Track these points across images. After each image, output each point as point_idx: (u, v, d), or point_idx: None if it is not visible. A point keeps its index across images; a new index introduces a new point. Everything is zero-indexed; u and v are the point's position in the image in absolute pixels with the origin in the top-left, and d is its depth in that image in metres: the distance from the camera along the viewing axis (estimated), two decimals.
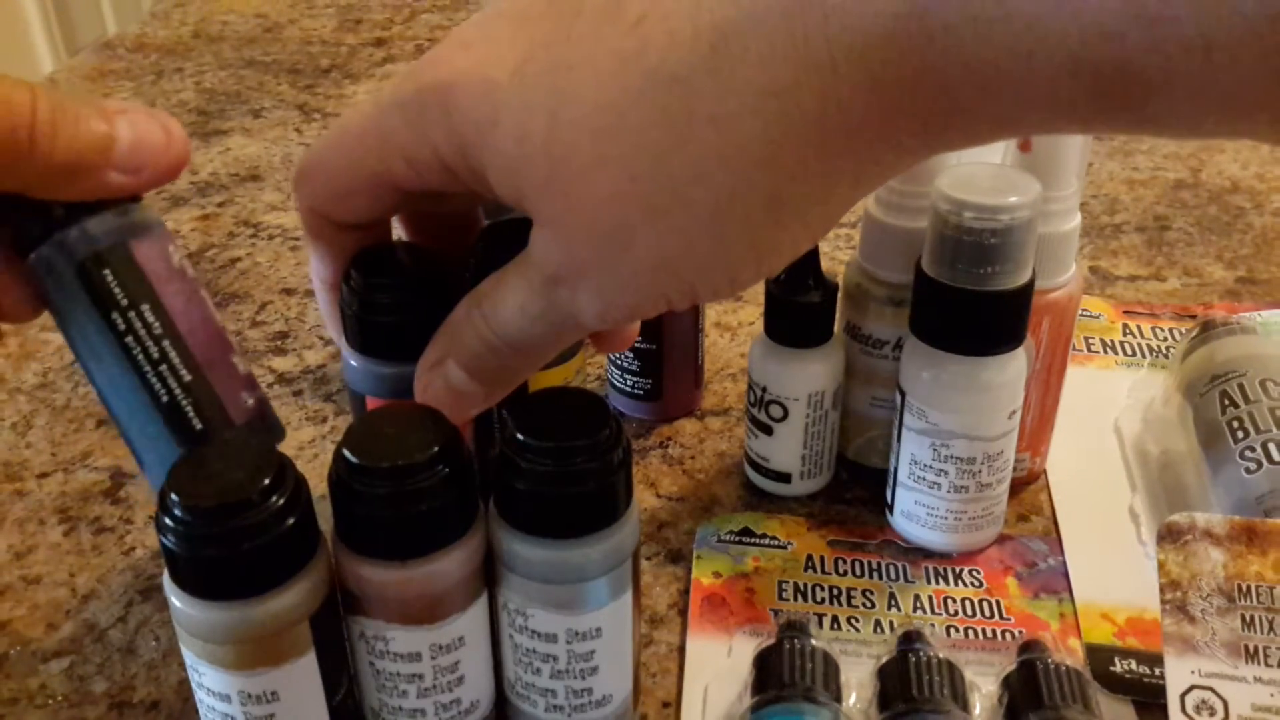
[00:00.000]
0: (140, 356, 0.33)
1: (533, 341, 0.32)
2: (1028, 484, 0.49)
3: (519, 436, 0.33)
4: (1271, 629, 0.37)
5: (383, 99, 0.32)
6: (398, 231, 0.38)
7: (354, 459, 0.32)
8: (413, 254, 0.37)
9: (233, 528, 0.30)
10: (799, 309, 0.45)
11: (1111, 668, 0.40)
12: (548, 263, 0.30)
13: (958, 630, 0.42)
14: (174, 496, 0.30)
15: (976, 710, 0.37)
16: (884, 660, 0.38)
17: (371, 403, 0.37)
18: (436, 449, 0.32)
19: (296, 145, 0.80)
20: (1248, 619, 0.37)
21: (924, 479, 0.44)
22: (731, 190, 0.27)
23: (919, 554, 0.45)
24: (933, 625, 0.42)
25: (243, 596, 0.31)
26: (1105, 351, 0.57)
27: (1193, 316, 0.60)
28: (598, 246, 0.29)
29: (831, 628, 0.42)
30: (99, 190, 0.32)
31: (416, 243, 0.38)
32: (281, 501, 0.31)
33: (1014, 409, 0.42)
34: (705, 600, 0.43)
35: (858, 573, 0.45)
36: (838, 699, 0.37)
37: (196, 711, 0.34)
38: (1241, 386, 0.46)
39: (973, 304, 0.40)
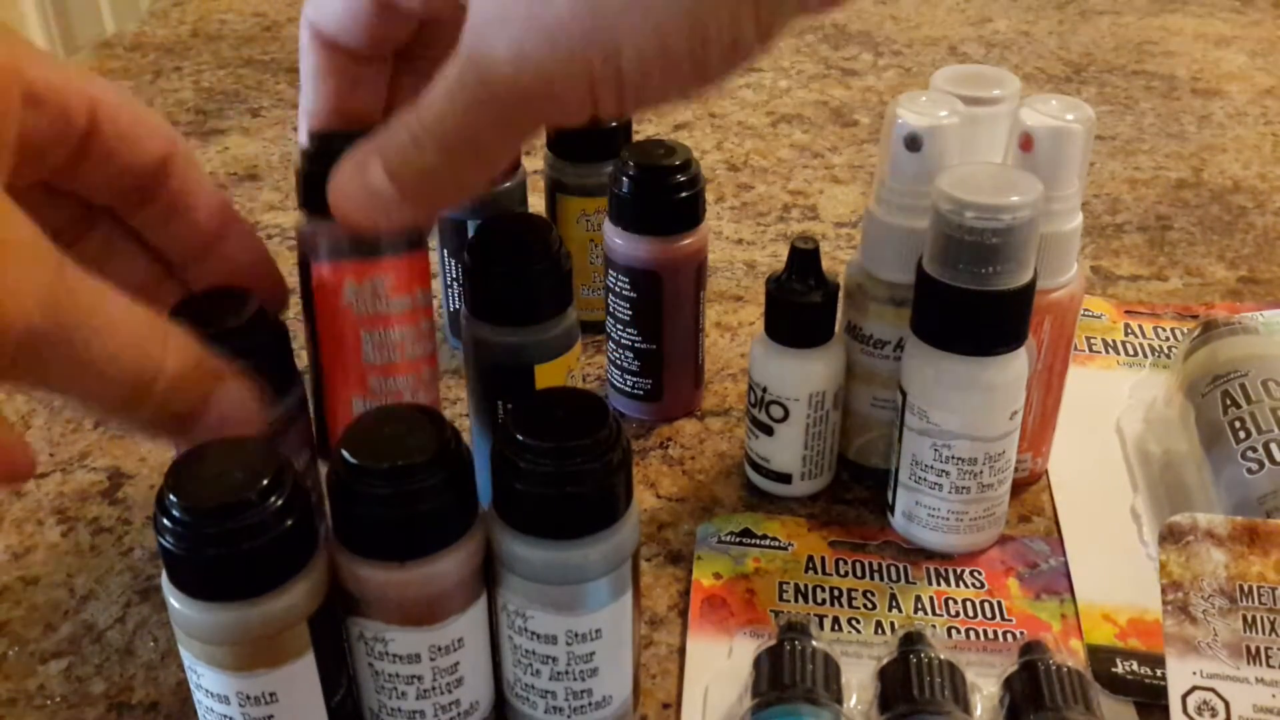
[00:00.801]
0: None
1: (456, 126, 0.30)
2: (1029, 484, 0.49)
3: (519, 436, 0.32)
4: (1273, 630, 0.37)
5: None
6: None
7: (353, 460, 0.32)
8: None
9: (231, 528, 0.30)
10: (799, 309, 0.45)
11: (1113, 669, 0.40)
12: (476, 15, 0.29)
13: (959, 631, 0.42)
14: (172, 497, 0.30)
15: (978, 712, 0.37)
16: (885, 661, 0.38)
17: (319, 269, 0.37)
18: (436, 450, 0.32)
19: (295, 144, 0.80)
20: (1249, 620, 0.37)
21: (925, 480, 0.43)
22: None
23: (920, 555, 0.45)
24: (934, 626, 0.42)
25: (241, 597, 0.31)
26: (1107, 351, 0.57)
27: (1194, 316, 0.59)
28: None
29: (832, 629, 0.42)
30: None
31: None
32: (280, 502, 0.31)
33: (1015, 409, 0.42)
34: (705, 601, 0.43)
35: (859, 574, 0.44)
36: (838, 700, 0.37)
37: (195, 712, 0.34)
38: (1243, 386, 0.46)
39: (974, 304, 0.40)
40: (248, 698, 0.32)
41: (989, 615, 0.43)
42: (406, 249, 0.36)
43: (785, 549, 0.45)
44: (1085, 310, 0.59)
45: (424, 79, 0.31)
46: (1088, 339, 0.58)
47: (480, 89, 0.29)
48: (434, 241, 0.64)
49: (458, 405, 0.54)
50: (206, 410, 0.33)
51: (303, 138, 0.38)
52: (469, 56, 0.29)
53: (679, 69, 0.28)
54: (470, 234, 0.53)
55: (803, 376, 0.45)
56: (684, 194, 0.48)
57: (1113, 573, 0.44)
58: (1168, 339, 0.58)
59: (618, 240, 0.49)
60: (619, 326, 0.51)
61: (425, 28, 0.36)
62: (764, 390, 0.46)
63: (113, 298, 0.31)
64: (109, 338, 0.30)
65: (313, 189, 0.34)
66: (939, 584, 0.44)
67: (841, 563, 0.45)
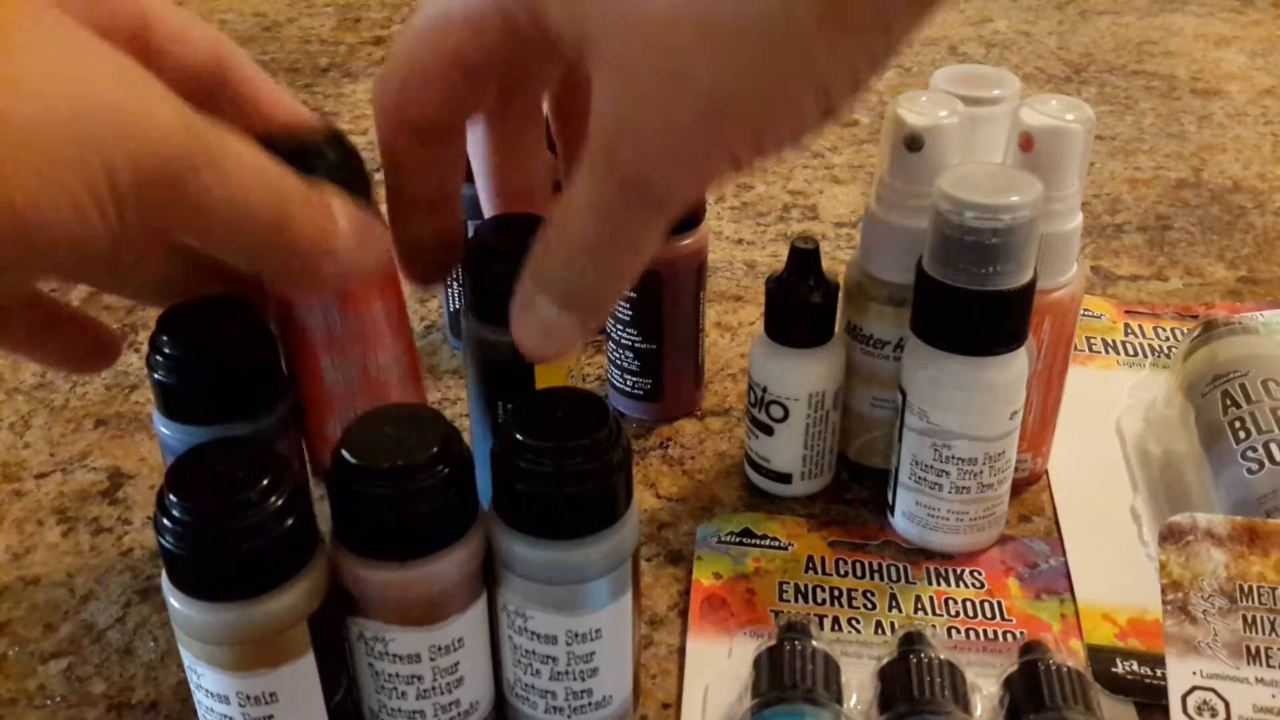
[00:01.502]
0: None
1: (611, 242, 0.30)
2: (1029, 484, 0.49)
3: (519, 437, 0.32)
4: (1273, 630, 0.37)
5: None
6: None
7: (353, 459, 0.32)
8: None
9: (231, 528, 0.30)
10: (799, 309, 0.45)
11: (1113, 669, 0.40)
12: (606, 119, 0.28)
13: (959, 631, 0.42)
14: (172, 497, 0.30)
15: (978, 711, 0.37)
16: (885, 661, 0.38)
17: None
18: (436, 449, 0.32)
19: None
20: (1249, 620, 0.37)
21: (925, 479, 0.43)
22: (784, 6, 0.26)
23: (920, 555, 0.45)
24: (934, 626, 0.42)
25: (241, 597, 0.31)
26: (1107, 351, 0.57)
27: (1194, 316, 0.59)
28: (655, 88, 0.27)
29: (832, 629, 0.42)
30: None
31: None
32: (280, 502, 0.31)
33: (1015, 409, 0.42)
34: (705, 601, 0.43)
35: (859, 574, 0.44)
36: (839, 700, 0.37)
37: (195, 712, 0.34)
38: (1243, 386, 0.46)
39: (974, 304, 0.40)
40: (248, 698, 0.32)
41: (989, 615, 0.43)
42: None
43: (785, 549, 0.45)
44: (1085, 310, 0.59)
45: (525, 135, 0.32)
46: (1088, 339, 0.58)
47: (636, 211, 0.29)
48: None
49: (458, 405, 0.54)
50: (337, 236, 0.33)
51: (400, 262, 0.38)
52: (618, 179, 0.29)
53: (810, 124, 0.29)
54: (470, 234, 0.54)
55: (803, 376, 0.45)
56: None
57: (1113, 573, 0.44)
58: (1168, 339, 0.58)
59: None
60: (619, 326, 0.51)
61: (564, 78, 0.36)
62: (764, 390, 0.46)
63: (239, 136, 0.30)
64: (246, 171, 0.30)
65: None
66: (939, 584, 0.44)
67: (841, 563, 0.45)
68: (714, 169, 0.29)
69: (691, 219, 0.49)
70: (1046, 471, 0.49)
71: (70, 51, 0.27)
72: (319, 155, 0.34)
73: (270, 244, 0.31)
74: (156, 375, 0.37)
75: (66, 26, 0.28)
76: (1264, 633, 0.37)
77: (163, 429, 0.38)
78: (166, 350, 0.36)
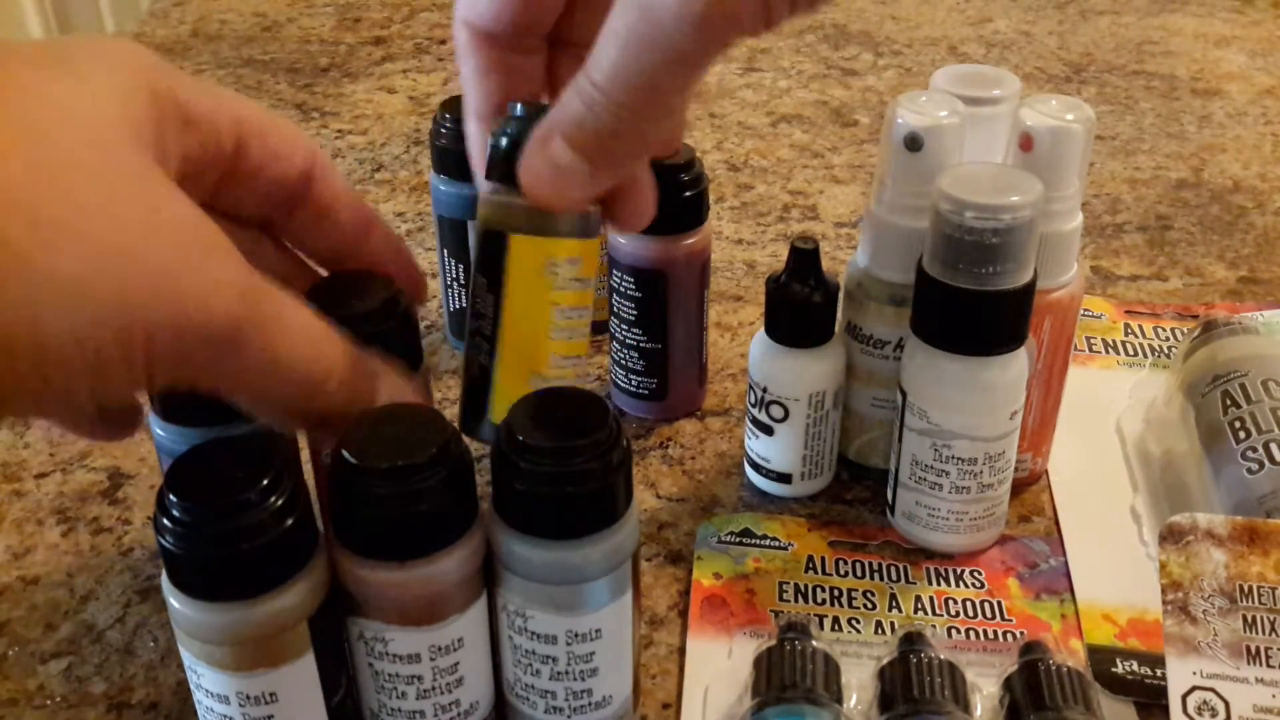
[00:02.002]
0: None
1: (630, 78, 0.30)
2: (1029, 485, 0.49)
3: (519, 436, 0.32)
4: (1273, 630, 0.37)
5: None
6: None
7: (353, 459, 0.32)
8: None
9: (231, 528, 0.30)
10: (799, 309, 0.45)
11: (1113, 669, 0.40)
12: None
13: (959, 631, 0.42)
14: (172, 497, 0.30)
15: (978, 712, 0.37)
16: (885, 661, 0.38)
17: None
18: (436, 449, 0.32)
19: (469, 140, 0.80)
20: (1249, 620, 0.37)
21: (925, 479, 0.43)
22: None
23: (920, 555, 0.45)
24: (934, 626, 0.42)
25: (241, 597, 0.31)
26: (1107, 351, 0.57)
27: (1194, 316, 0.59)
28: None
29: (832, 629, 0.42)
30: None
31: None
32: (280, 502, 0.31)
33: (1015, 409, 0.42)
34: (705, 601, 0.43)
35: (859, 574, 0.44)
36: (839, 700, 0.37)
37: (195, 712, 0.34)
38: (1243, 386, 0.46)
39: (974, 304, 0.40)
40: (248, 698, 0.32)
41: (989, 615, 0.43)
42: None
43: (785, 549, 0.45)
44: (1085, 310, 0.59)
45: (579, 60, 0.31)
46: (1088, 339, 0.58)
47: (650, 30, 0.29)
48: (434, 241, 0.64)
49: (457, 405, 0.54)
50: (373, 403, 0.34)
51: (471, 143, 0.38)
52: (640, 12, 0.29)
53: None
54: (470, 234, 0.54)
55: (803, 376, 0.45)
56: (689, 193, 0.48)
57: (1113, 573, 0.44)
58: (1168, 339, 0.58)
59: (622, 240, 0.49)
60: (624, 326, 0.51)
61: (573, 4, 0.36)
62: (764, 390, 0.46)
63: (293, 299, 0.31)
64: (293, 336, 0.31)
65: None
66: (939, 584, 0.44)
67: (841, 563, 0.45)
68: (744, 8, 0.28)
69: (695, 218, 0.49)
70: (1046, 471, 0.49)
71: (136, 206, 0.28)
72: (374, 319, 0.36)
73: (302, 409, 0.32)
74: None
75: (141, 177, 0.28)
76: (1264, 633, 0.37)
77: (158, 430, 0.38)
78: None
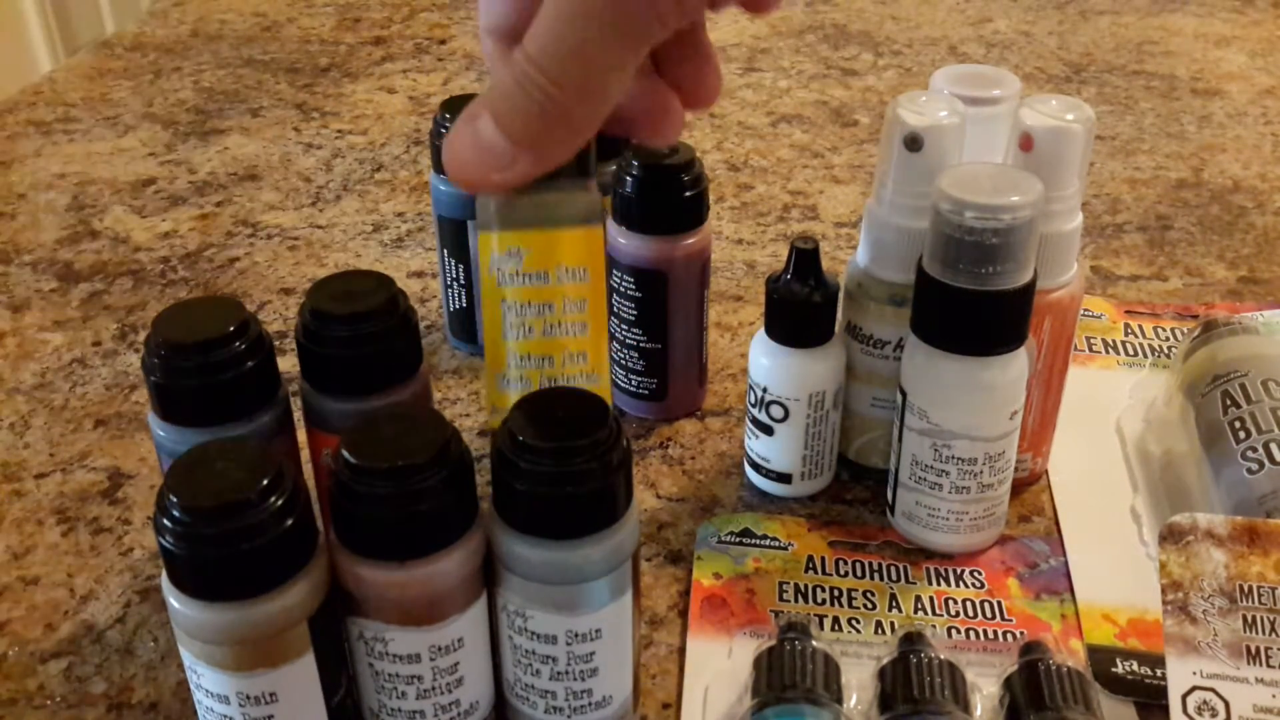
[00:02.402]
0: None
1: (565, 51, 0.28)
2: (1029, 484, 0.49)
3: (519, 437, 0.32)
4: (1273, 630, 0.37)
5: None
6: None
7: (353, 460, 0.32)
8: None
9: (231, 529, 0.30)
10: (799, 309, 0.45)
11: (1113, 669, 0.40)
12: None
13: (959, 631, 0.42)
14: (172, 497, 0.30)
15: (978, 711, 0.37)
16: (885, 661, 0.38)
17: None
18: (436, 449, 0.32)
19: (295, 144, 0.80)
20: (1249, 620, 0.37)
21: (925, 479, 0.43)
22: None
23: (920, 555, 0.45)
24: (934, 626, 0.42)
25: (241, 597, 0.31)
26: (1107, 351, 0.57)
27: (1194, 316, 0.59)
28: None
29: (832, 629, 0.42)
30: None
31: None
32: (280, 502, 0.31)
33: (1015, 409, 0.42)
34: (705, 601, 0.43)
35: (859, 574, 0.44)
36: (839, 700, 0.37)
37: (195, 712, 0.34)
38: (1243, 386, 0.46)
39: (974, 304, 0.40)
40: (248, 698, 0.32)
41: (989, 615, 0.43)
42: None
43: (785, 549, 0.45)
44: (1085, 310, 0.59)
45: None
46: (1088, 339, 0.58)
47: (596, 19, 0.28)
48: (434, 242, 0.64)
49: (457, 405, 0.54)
50: None
51: (486, 53, 0.35)
52: None
53: None
54: (471, 234, 0.54)
55: (803, 376, 0.45)
56: (689, 193, 0.48)
57: (1113, 573, 0.44)
58: (1168, 339, 0.58)
59: (622, 240, 0.49)
60: (624, 326, 0.51)
61: None
62: (764, 390, 0.46)
63: None
64: None
65: None
66: (939, 584, 0.44)
67: (841, 563, 0.45)
68: None
69: (695, 218, 0.49)
70: (1046, 471, 0.49)
71: None
72: (374, 319, 0.38)
73: None
74: (152, 377, 0.37)
75: None
76: (1264, 633, 0.37)
77: (158, 430, 0.38)
78: (161, 352, 0.36)
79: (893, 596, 0.43)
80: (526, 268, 0.34)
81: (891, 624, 0.42)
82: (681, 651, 0.41)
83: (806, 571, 0.44)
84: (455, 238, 0.54)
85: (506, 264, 0.34)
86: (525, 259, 0.34)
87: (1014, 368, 0.41)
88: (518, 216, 0.34)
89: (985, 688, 0.38)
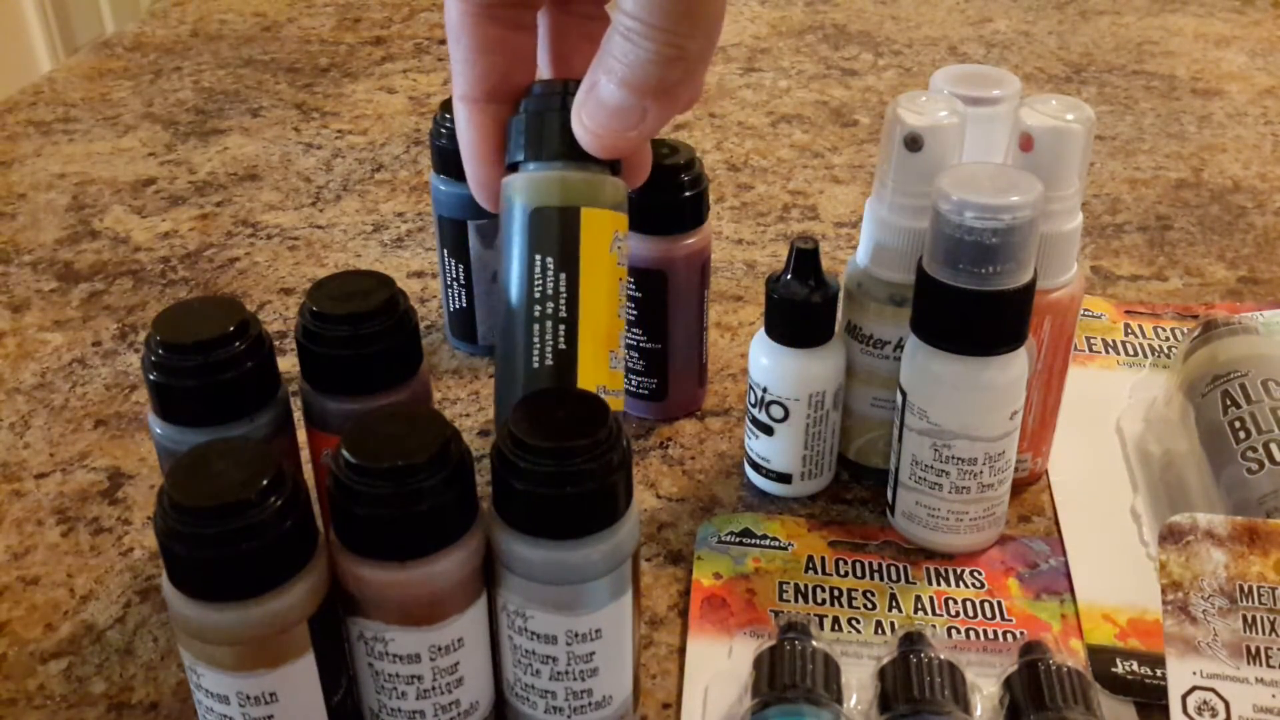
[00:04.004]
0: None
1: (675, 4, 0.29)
2: (1029, 485, 0.49)
3: (519, 436, 0.32)
4: (1273, 630, 0.37)
5: None
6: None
7: (353, 459, 0.32)
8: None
9: (231, 529, 0.30)
10: (799, 309, 0.45)
11: (1113, 669, 0.40)
12: None
13: (959, 631, 0.42)
14: (172, 497, 0.30)
15: (978, 712, 0.37)
16: (885, 661, 0.38)
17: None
18: (436, 449, 0.32)
19: (295, 144, 0.80)
20: (1249, 620, 0.37)
21: (925, 479, 0.43)
22: None
23: (920, 555, 0.45)
24: (934, 626, 0.42)
25: (241, 598, 0.31)
26: (1107, 351, 0.57)
27: (1194, 316, 0.59)
28: None
29: (832, 629, 0.42)
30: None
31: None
32: (280, 503, 0.31)
33: (1015, 409, 0.42)
34: (705, 601, 0.43)
35: (859, 574, 0.44)
36: (838, 700, 0.37)
37: (195, 712, 0.34)
38: (1243, 386, 0.46)
39: (974, 304, 0.40)
40: (248, 698, 0.32)
41: (989, 615, 0.43)
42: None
43: (785, 549, 0.45)
44: (1085, 310, 0.59)
45: (583, 22, 0.31)
46: (1088, 339, 0.58)
47: None
48: (434, 241, 0.64)
49: (457, 405, 0.54)
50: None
51: (462, 127, 0.36)
52: None
53: None
54: (470, 234, 0.54)
55: (803, 376, 0.45)
56: (689, 193, 0.48)
57: (1113, 573, 0.44)
58: (1168, 339, 0.58)
59: None
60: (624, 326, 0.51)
61: None
62: (764, 390, 0.46)
63: None
64: None
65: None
66: (939, 584, 0.44)
67: (841, 563, 0.45)
68: None
69: (695, 218, 0.49)
70: (1046, 471, 0.49)
71: None
72: (374, 319, 0.38)
73: None
74: (151, 377, 0.37)
75: None
76: (1264, 633, 0.37)
77: (158, 430, 0.38)
78: (161, 352, 0.36)
79: (893, 596, 0.43)
80: (628, 248, 0.35)
81: (891, 624, 0.42)
82: (681, 651, 0.41)
83: (806, 571, 0.44)
84: (455, 238, 0.54)
85: (624, 244, 0.35)
86: (628, 241, 0.35)
87: (1014, 368, 0.41)
88: (604, 199, 0.35)
89: (985, 688, 0.38)
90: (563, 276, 0.35)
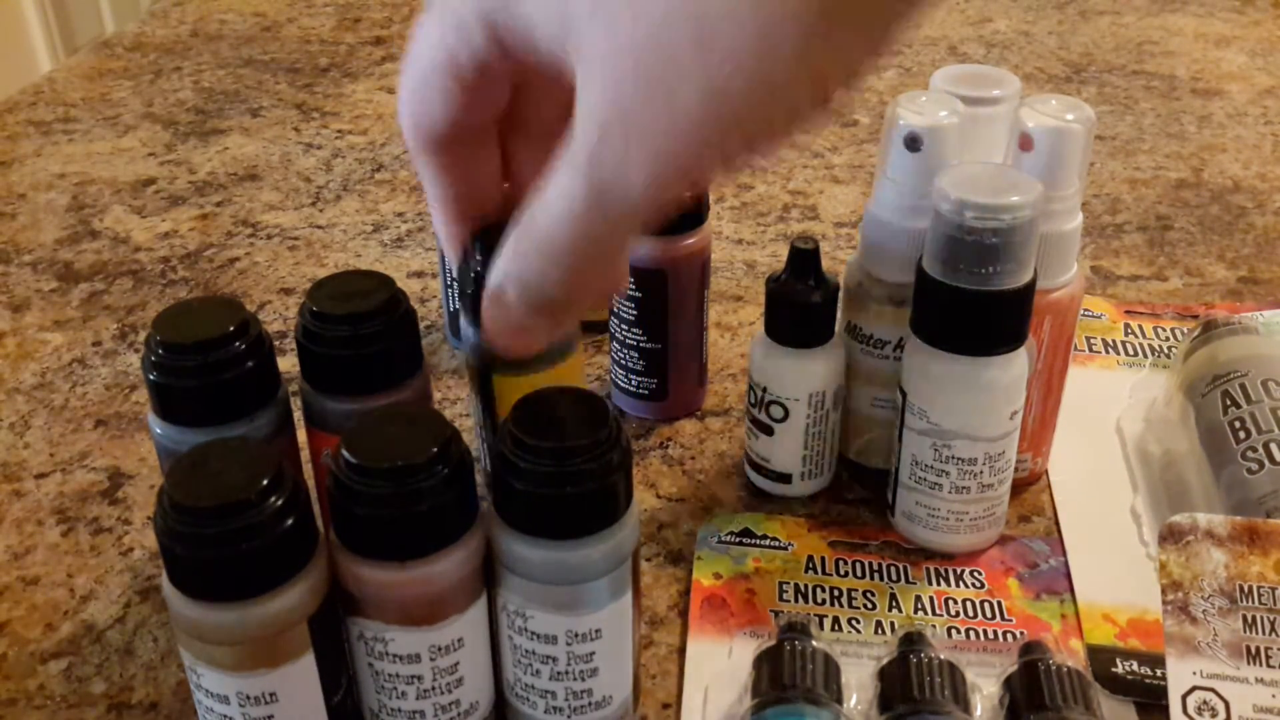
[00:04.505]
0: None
1: (581, 249, 0.29)
2: (1029, 485, 0.49)
3: (519, 436, 0.32)
4: (1273, 630, 0.37)
5: None
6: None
7: (353, 459, 0.32)
8: None
9: (231, 529, 0.30)
10: (799, 309, 0.45)
11: (1113, 669, 0.40)
12: (591, 116, 0.28)
13: (959, 631, 0.42)
14: (172, 497, 0.30)
15: (978, 711, 0.37)
16: (885, 661, 0.38)
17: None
18: (436, 449, 0.32)
19: (295, 144, 0.80)
20: (1249, 620, 0.37)
21: (925, 480, 0.43)
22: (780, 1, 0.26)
23: (920, 555, 0.45)
24: (934, 626, 0.42)
25: (241, 598, 0.31)
26: (1107, 351, 0.57)
27: (1194, 316, 0.59)
28: (645, 82, 0.27)
29: (832, 629, 0.42)
30: None
31: None
32: (280, 503, 0.31)
33: (1015, 409, 0.42)
34: (705, 601, 0.43)
35: (859, 574, 0.44)
36: (838, 700, 0.37)
37: (195, 712, 0.34)
38: (1243, 386, 0.46)
39: (974, 304, 0.40)
40: (248, 698, 0.32)
41: (989, 615, 0.43)
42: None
43: (785, 549, 0.45)
44: (1085, 310, 0.59)
45: (534, 144, 0.31)
46: (1088, 339, 0.58)
47: (612, 212, 0.29)
48: (434, 242, 0.64)
49: (457, 405, 0.54)
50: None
51: (449, 255, 0.37)
52: (598, 177, 0.28)
53: (804, 119, 0.28)
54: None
55: (803, 376, 0.45)
56: (688, 192, 0.48)
57: (1113, 573, 0.44)
58: (1168, 339, 0.58)
59: None
60: (624, 326, 0.51)
61: (520, 94, 0.35)
62: (764, 390, 0.46)
63: None
64: None
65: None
66: (939, 584, 0.44)
67: (841, 563, 0.45)
68: (704, 167, 0.28)
69: (695, 218, 0.49)
70: (1046, 471, 0.49)
71: None
72: (374, 319, 0.38)
73: None
74: (151, 377, 0.37)
75: None
76: (1264, 633, 0.37)
77: (157, 430, 0.38)
78: (161, 352, 0.36)
79: (893, 596, 0.43)
80: None
81: (891, 624, 0.42)
82: (681, 651, 0.41)
83: (806, 571, 0.44)
84: None
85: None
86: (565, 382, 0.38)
87: (1014, 368, 0.41)
88: (536, 363, 0.38)
89: (985, 688, 0.38)
90: (485, 416, 0.39)
